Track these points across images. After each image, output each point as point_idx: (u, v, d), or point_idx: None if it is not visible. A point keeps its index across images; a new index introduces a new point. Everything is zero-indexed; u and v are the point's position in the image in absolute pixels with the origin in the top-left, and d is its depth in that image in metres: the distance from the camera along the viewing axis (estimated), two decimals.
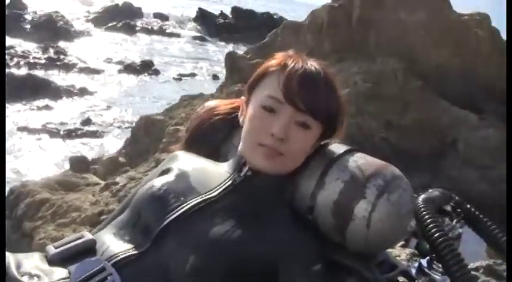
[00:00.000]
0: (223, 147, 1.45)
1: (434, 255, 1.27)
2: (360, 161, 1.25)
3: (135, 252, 1.20)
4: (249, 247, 1.16)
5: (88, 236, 1.27)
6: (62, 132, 9.26)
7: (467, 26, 7.18)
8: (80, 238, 1.26)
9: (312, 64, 1.31)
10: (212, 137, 1.46)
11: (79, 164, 6.01)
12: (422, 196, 1.25)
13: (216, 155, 1.44)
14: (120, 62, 15.75)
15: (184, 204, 1.24)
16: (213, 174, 1.33)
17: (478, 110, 6.52)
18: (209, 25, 25.70)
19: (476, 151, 6.12)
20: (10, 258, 1.20)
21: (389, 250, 1.37)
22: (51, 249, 1.25)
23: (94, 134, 9.50)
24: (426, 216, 1.22)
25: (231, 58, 7.97)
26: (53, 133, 9.12)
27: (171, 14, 27.86)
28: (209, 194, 1.27)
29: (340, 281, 1.22)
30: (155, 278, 1.17)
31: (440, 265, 1.27)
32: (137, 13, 25.84)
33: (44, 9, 21.94)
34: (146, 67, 15.53)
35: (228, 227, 1.19)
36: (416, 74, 6.53)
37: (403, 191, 1.20)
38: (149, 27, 23.86)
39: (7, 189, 5.55)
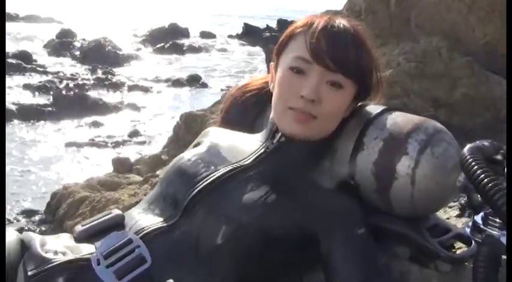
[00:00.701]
0: (258, 122, 1.41)
1: (489, 209, 1.13)
2: (399, 118, 1.19)
3: (164, 224, 1.17)
4: (286, 212, 1.11)
5: (116, 211, 1.25)
6: (109, 144, 9.33)
7: None
8: (107, 215, 1.24)
9: (340, 21, 1.26)
10: (246, 113, 1.43)
11: (121, 164, 5.97)
12: (469, 145, 1.12)
13: (252, 131, 1.39)
14: (168, 80, 15.92)
15: (215, 173, 1.20)
16: (246, 144, 1.30)
17: None
18: (256, 39, 25.83)
19: None
20: (35, 237, 1.17)
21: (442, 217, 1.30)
22: (79, 227, 1.23)
23: (142, 144, 9.55)
24: (474, 165, 1.05)
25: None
26: (101, 145, 9.20)
27: (217, 32, 28.19)
28: (241, 162, 1.23)
29: (389, 248, 1.17)
30: (186, 250, 1.13)
31: (496, 219, 1.14)
32: (184, 33, 26.28)
33: (93, 36, 22.58)
34: (194, 81, 15.64)
35: (262, 192, 1.15)
36: (462, 51, 6.31)
37: (447, 144, 1.14)
38: (196, 45, 24.14)
39: (50, 194, 5.56)
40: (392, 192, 1.13)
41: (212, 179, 1.19)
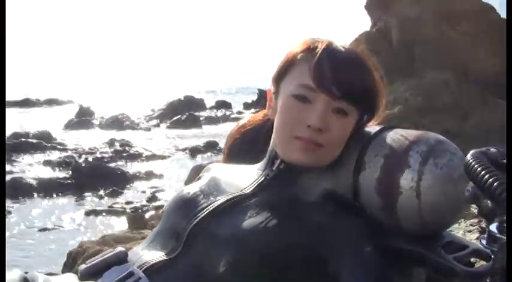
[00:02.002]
0: (261, 155, 1.37)
1: (503, 216, 1.02)
2: (399, 133, 1.17)
3: (167, 257, 1.17)
4: (288, 235, 1.09)
5: (119, 248, 1.24)
6: (127, 210, 9.39)
7: None
8: (110, 252, 1.23)
9: (343, 46, 1.25)
10: (247, 148, 1.41)
11: (136, 221, 6.00)
12: (473, 151, 1.05)
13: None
14: (185, 148, 16.11)
15: (214, 203, 1.20)
16: (246, 174, 1.29)
17: None
18: None
19: None
20: (39, 276, 1.16)
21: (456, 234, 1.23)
22: (82, 266, 1.21)
23: (160, 208, 9.57)
24: (478, 167, 0.98)
25: None
26: (118, 212, 9.28)
27: (233, 101, 28.64)
28: (241, 192, 1.23)
29: (403, 270, 1.13)
30: (189, 281, 1.12)
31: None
32: (200, 105, 26.73)
33: (111, 113, 23.08)
34: (211, 147, 15.78)
35: (263, 218, 1.13)
36: (472, 82, 6.32)
37: (451, 154, 1.10)
38: (213, 115, 24.49)
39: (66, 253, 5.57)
40: (398, 208, 1.09)
41: (212, 208, 1.19)
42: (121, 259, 1.19)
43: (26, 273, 1.17)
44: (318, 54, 1.21)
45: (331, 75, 1.18)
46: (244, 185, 1.25)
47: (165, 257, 1.17)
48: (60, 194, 10.49)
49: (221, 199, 1.21)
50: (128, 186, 11.48)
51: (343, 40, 1.28)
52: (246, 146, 1.42)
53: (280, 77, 1.28)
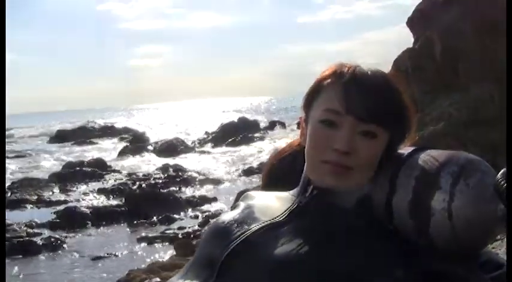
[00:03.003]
0: (299, 181, 1.38)
1: None
2: (430, 154, 1.17)
3: None
4: (319, 262, 1.10)
5: (156, 279, 1.28)
6: (179, 236, 9.47)
7: None
8: None
9: (369, 69, 1.27)
10: (285, 175, 1.41)
11: (184, 247, 6.08)
12: (503, 170, 1.05)
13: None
14: (237, 169, 16.21)
15: (247, 231, 1.21)
16: (280, 202, 1.30)
17: None
18: None
19: None
20: None
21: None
22: None
23: None
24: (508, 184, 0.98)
25: None
26: (171, 238, 9.35)
27: (288, 120, 28.61)
28: (274, 220, 1.24)
29: None
30: None
31: None
32: (254, 126, 26.84)
33: (165, 137, 23.48)
34: None
35: (295, 245, 1.14)
36: None
37: (482, 174, 1.10)
38: (266, 135, 24.56)
39: None
40: (431, 229, 1.09)
41: (244, 237, 1.20)
42: None
43: None
44: (343, 79, 1.23)
45: (357, 98, 1.20)
46: (277, 213, 1.25)
47: None
48: (113, 221, 10.62)
49: (254, 227, 1.22)
50: (181, 211, 11.53)
51: (370, 63, 1.30)
52: (283, 173, 1.41)
53: (308, 103, 1.30)
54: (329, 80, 1.26)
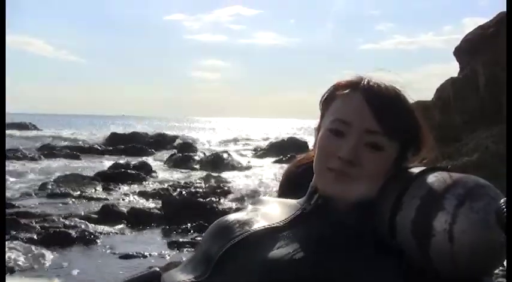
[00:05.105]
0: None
1: None
2: (440, 175, 1.16)
3: (195, 280, 1.24)
4: (312, 270, 1.11)
5: (155, 268, 1.37)
6: None
7: None
8: (145, 271, 1.36)
9: (381, 82, 1.29)
10: (300, 184, 1.43)
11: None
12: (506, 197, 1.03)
13: None
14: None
15: (248, 232, 1.26)
16: (286, 208, 1.34)
17: None
18: None
19: None
20: None
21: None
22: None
23: None
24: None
25: None
26: None
27: None
28: (276, 224, 1.27)
29: None
30: None
31: None
32: (303, 146, 26.76)
33: (214, 149, 23.72)
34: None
35: (291, 249, 1.16)
36: None
37: (490, 199, 1.07)
38: None
39: None
40: (431, 250, 1.08)
41: (243, 237, 1.24)
42: (153, 277, 1.28)
43: None
44: (356, 90, 1.27)
45: (366, 109, 1.23)
46: (280, 218, 1.28)
47: (193, 280, 1.23)
48: (148, 223, 10.84)
49: (254, 229, 1.25)
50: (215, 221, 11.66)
51: (387, 78, 1.31)
52: (298, 182, 1.43)
53: (322, 114, 1.35)
54: (342, 91, 1.30)
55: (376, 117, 1.22)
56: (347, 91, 1.29)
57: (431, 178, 1.15)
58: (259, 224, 1.28)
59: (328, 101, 1.34)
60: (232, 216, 1.35)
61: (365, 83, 1.28)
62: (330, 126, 1.27)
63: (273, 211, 1.33)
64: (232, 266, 1.19)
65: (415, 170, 1.21)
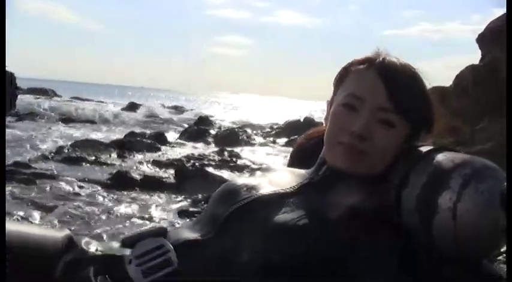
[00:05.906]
0: None
1: None
2: (448, 155, 1.17)
3: (200, 238, 1.27)
4: (312, 238, 1.12)
5: (160, 225, 1.44)
6: None
7: None
8: (152, 227, 1.44)
9: (397, 59, 1.30)
10: (309, 156, 1.45)
11: None
12: None
13: None
14: None
15: (254, 195, 1.29)
16: (294, 176, 1.37)
17: None
18: None
19: None
20: (84, 237, 1.28)
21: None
22: (124, 235, 1.38)
23: None
24: None
25: None
26: None
27: None
28: (283, 190, 1.30)
29: None
30: (216, 265, 1.18)
31: None
32: (318, 126, 26.68)
33: (230, 125, 23.76)
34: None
35: (295, 215, 1.18)
36: None
37: (496, 181, 1.08)
38: None
39: None
40: (434, 226, 1.09)
41: (249, 200, 1.27)
42: (158, 233, 1.27)
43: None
44: (371, 66, 1.28)
45: (380, 86, 1.24)
46: (288, 185, 1.31)
47: (198, 238, 1.26)
48: (160, 191, 11.01)
49: (261, 193, 1.28)
50: None
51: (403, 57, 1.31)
52: (308, 154, 1.45)
53: (336, 87, 1.37)
54: (358, 66, 1.32)
55: (389, 94, 1.23)
56: (363, 67, 1.30)
57: (440, 157, 1.16)
58: (266, 189, 1.30)
59: (342, 75, 1.35)
60: (240, 180, 1.37)
61: (381, 59, 1.29)
62: (343, 101, 1.29)
63: (280, 178, 1.36)
64: (236, 228, 1.22)
65: (424, 148, 1.23)
